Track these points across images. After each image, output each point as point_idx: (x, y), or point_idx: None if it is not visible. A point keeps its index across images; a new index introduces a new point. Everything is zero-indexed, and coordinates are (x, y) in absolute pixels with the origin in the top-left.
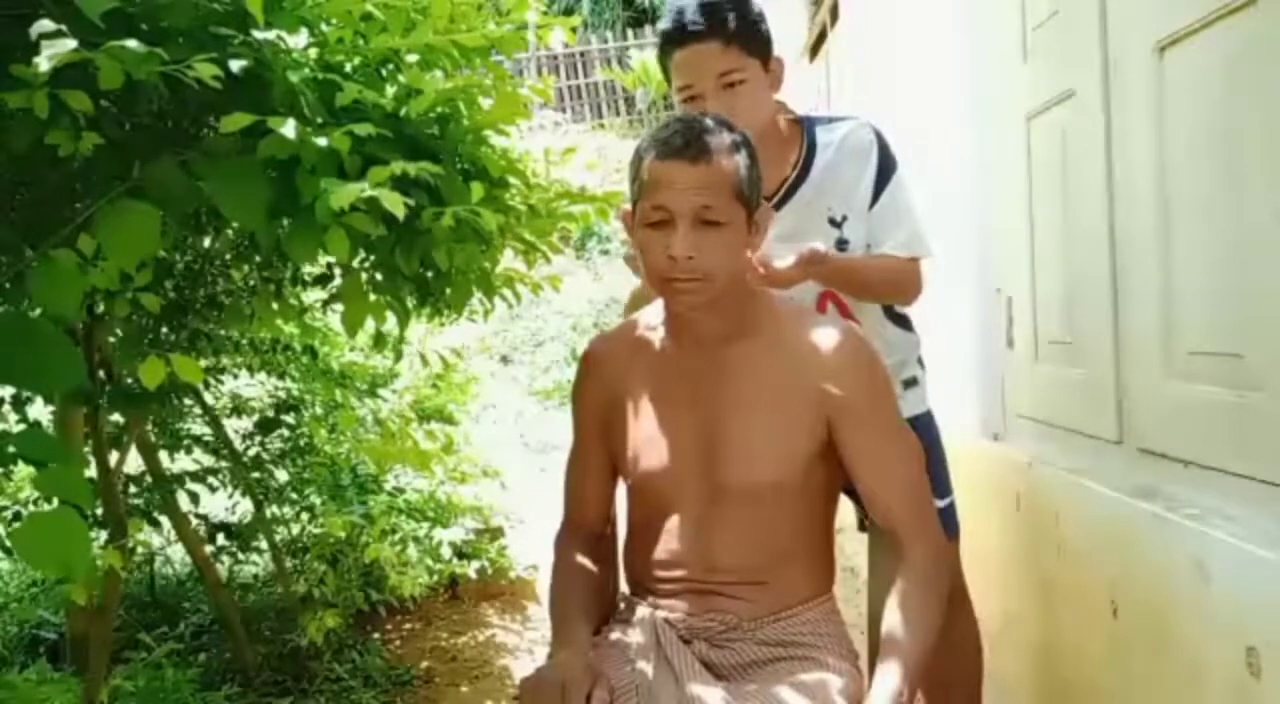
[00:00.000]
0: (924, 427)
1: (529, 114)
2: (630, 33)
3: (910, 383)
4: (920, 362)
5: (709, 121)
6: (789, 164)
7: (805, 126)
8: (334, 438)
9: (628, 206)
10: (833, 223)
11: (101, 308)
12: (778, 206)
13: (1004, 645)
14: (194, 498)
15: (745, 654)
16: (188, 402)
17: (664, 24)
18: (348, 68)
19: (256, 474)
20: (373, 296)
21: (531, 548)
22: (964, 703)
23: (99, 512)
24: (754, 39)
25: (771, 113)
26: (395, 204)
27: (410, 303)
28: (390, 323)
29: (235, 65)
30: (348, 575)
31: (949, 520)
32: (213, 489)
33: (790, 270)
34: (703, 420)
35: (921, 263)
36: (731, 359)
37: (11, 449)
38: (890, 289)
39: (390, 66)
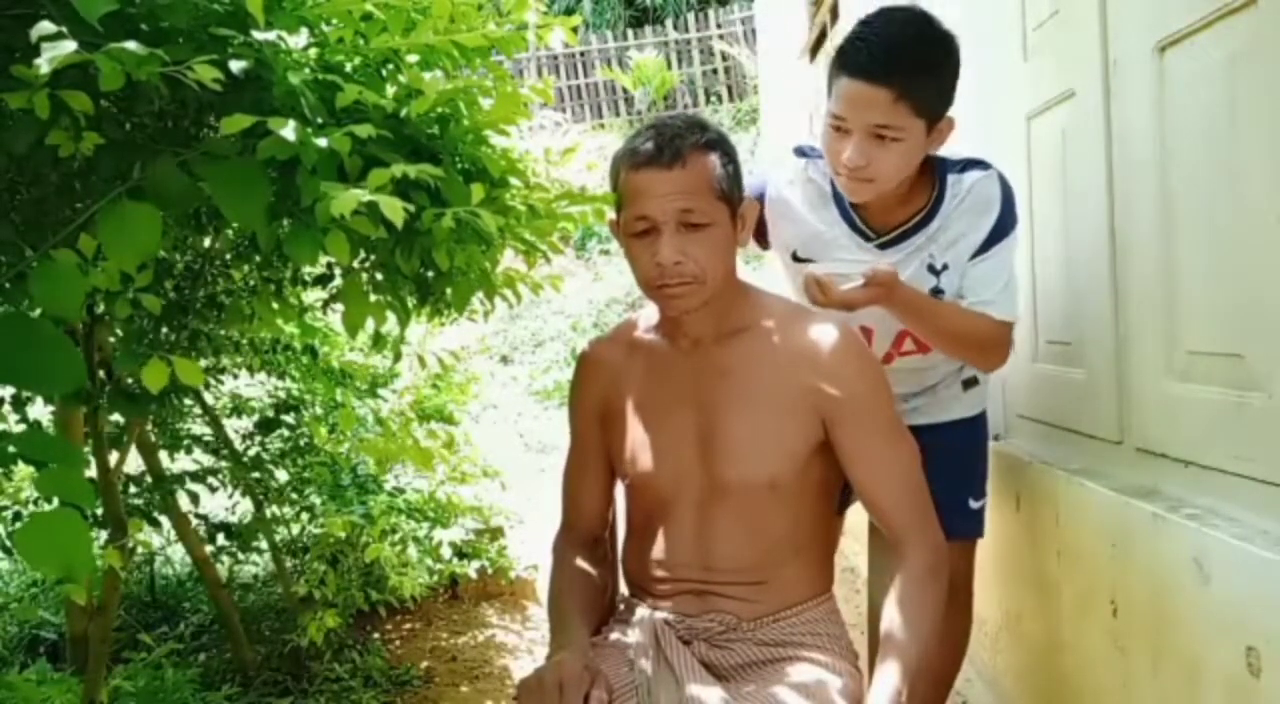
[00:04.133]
0: (982, 425)
1: (529, 114)
2: (631, 33)
3: (970, 383)
4: None
5: (679, 122)
6: (914, 208)
7: (938, 171)
8: (334, 438)
9: (613, 215)
10: (931, 270)
11: (102, 308)
12: (885, 246)
13: (1004, 645)
14: (194, 498)
15: (745, 654)
16: (188, 402)
17: (845, 44)
18: (348, 68)
19: (256, 474)
20: (373, 297)
21: (531, 548)
22: (936, 686)
23: (99, 512)
24: (929, 101)
25: (912, 170)
26: (395, 212)
27: (410, 303)
28: (390, 323)
29: (235, 66)
30: (348, 575)
31: (980, 521)
32: (213, 489)
33: (854, 293)
34: (699, 419)
35: (1012, 331)
36: (727, 358)
37: (12, 449)
38: (971, 346)
39: (390, 67)
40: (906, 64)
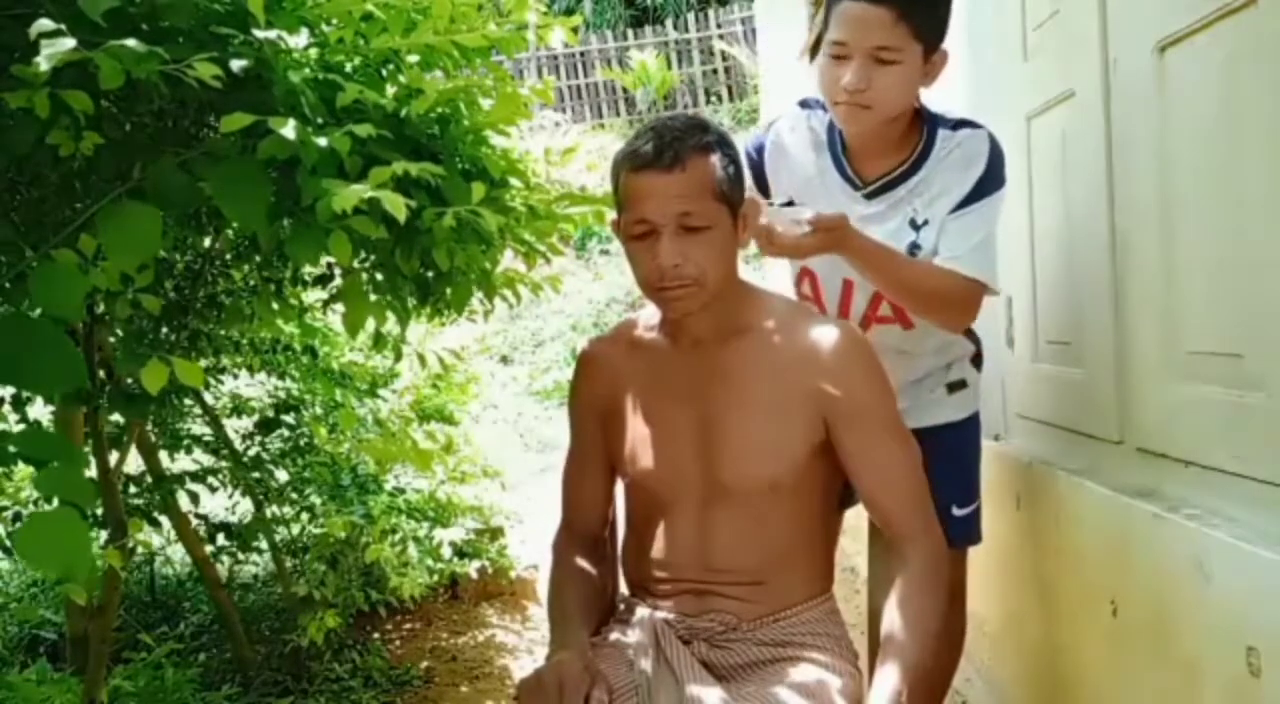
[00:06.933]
0: (971, 429)
1: (529, 114)
2: (631, 33)
3: (956, 386)
4: (975, 362)
5: (679, 124)
6: (900, 157)
7: (928, 124)
8: (334, 438)
9: (614, 215)
10: (913, 224)
11: (102, 308)
12: (872, 195)
13: (1004, 645)
14: (194, 498)
15: (745, 655)
16: (188, 402)
17: None
18: (348, 68)
19: (256, 474)
20: (373, 297)
21: (531, 548)
22: (931, 691)
23: (99, 512)
24: (929, 23)
25: (909, 102)
26: (397, 206)
27: (410, 303)
28: (391, 323)
29: (236, 65)
30: (348, 576)
31: (974, 526)
32: (213, 489)
33: (802, 238)
34: (700, 420)
35: (983, 293)
36: (728, 358)
37: (12, 449)
38: (933, 301)
39: (390, 67)
40: None
